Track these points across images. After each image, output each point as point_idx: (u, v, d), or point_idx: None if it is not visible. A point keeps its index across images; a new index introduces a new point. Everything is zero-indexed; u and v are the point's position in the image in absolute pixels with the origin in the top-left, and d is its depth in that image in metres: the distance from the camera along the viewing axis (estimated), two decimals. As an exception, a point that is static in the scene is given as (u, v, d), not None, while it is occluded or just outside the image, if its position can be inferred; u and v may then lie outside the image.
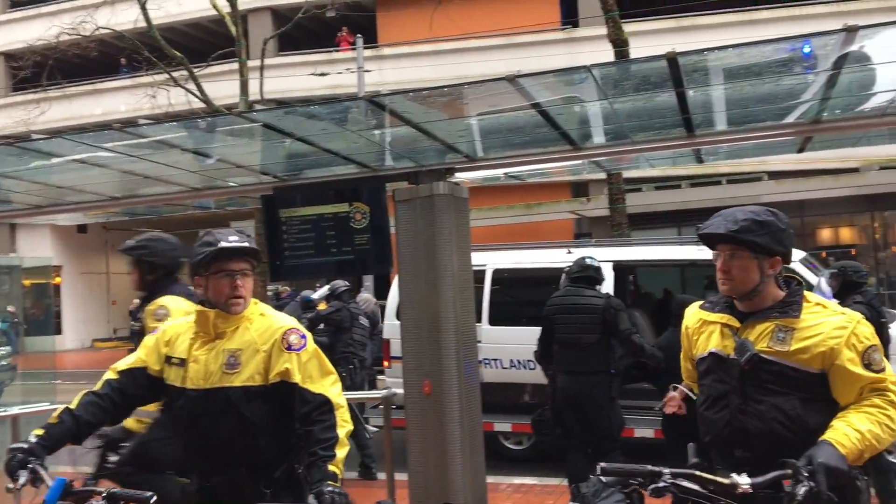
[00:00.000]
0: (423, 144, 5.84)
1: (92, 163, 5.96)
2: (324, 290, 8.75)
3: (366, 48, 24.65)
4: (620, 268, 8.77)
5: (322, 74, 24.07)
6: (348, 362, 8.33)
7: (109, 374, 3.09)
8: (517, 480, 7.55)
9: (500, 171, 7.42)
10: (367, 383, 8.79)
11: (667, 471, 2.65)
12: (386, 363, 9.10)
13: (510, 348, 7.20)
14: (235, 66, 21.43)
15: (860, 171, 22.16)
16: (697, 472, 2.67)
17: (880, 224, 25.55)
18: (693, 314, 2.98)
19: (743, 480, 2.57)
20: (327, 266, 6.89)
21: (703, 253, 8.44)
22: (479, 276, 8.35)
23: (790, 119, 5.79)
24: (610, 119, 5.54)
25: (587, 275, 6.45)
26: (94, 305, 31.54)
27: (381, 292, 10.67)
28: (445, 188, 5.96)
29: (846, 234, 26.20)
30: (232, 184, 7.08)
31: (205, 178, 6.83)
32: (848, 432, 2.49)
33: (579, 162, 7.34)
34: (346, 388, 7.91)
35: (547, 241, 9.40)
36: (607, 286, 8.23)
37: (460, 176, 6.53)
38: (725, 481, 2.60)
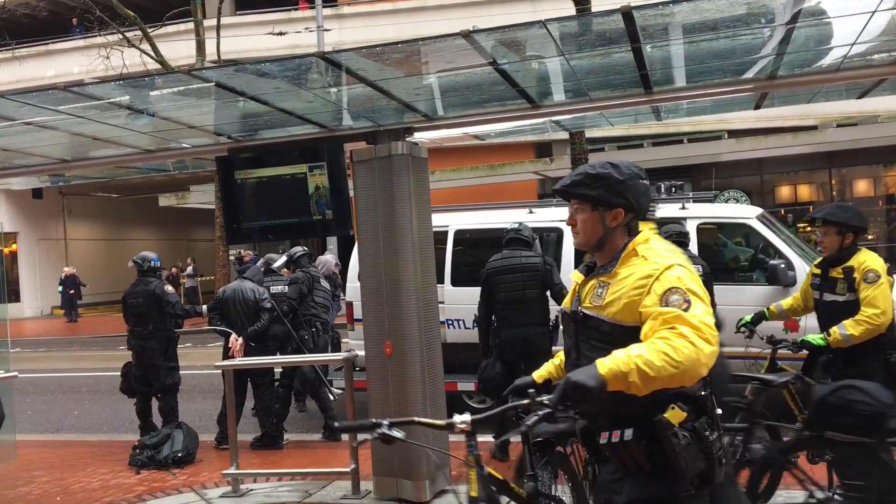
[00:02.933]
0: (381, 104, 5.75)
1: (39, 125, 5.78)
2: (283, 259, 8.66)
3: (325, 6, 24.19)
4: None
5: (280, 34, 23.59)
6: (311, 325, 8.29)
7: None
8: (480, 438, 7.57)
9: (459, 131, 7.35)
10: (330, 346, 8.76)
11: (385, 421, 2.92)
12: (349, 325, 9.07)
13: (473, 308, 7.23)
14: (191, 25, 20.93)
15: (818, 129, 22.41)
16: (417, 419, 3.03)
17: (838, 181, 25.95)
18: (573, 274, 3.01)
19: (460, 419, 2.84)
20: (286, 229, 6.81)
21: (664, 210, 8.53)
22: (441, 237, 8.30)
23: (747, 75, 5.79)
24: (568, 76, 5.50)
25: (522, 237, 6.91)
26: (52, 272, 31.00)
27: (346, 254, 10.54)
28: (404, 148, 5.91)
29: (804, 192, 26.59)
30: (185, 145, 6.94)
31: (157, 139, 6.67)
32: (616, 354, 2.45)
33: (540, 121, 7.30)
34: (308, 350, 8.00)
35: (509, 202, 9.31)
36: (568, 245, 8.28)
37: (419, 136, 6.46)
38: (441, 423, 2.91)
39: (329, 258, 10.55)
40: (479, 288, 6.90)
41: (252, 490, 6.41)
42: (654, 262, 2.61)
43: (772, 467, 4.32)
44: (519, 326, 6.62)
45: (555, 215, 8.81)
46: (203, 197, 26.35)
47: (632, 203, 2.69)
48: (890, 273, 5.01)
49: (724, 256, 9.11)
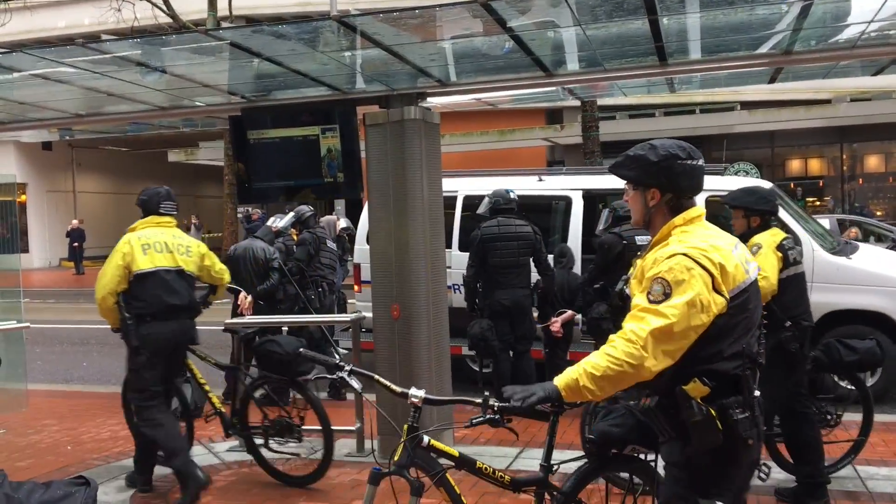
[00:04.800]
0: (395, 68, 5.76)
1: (55, 79, 5.81)
2: (289, 218, 8.70)
3: (339, -36, 23.90)
4: (590, 196, 8.84)
5: (293, -10, 23.39)
6: (317, 286, 8.38)
7: None
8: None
9: (472, 97, 7.36)
10: (336, 306, 8.85)
11: (348, 367, 3.25)
12: (356, 287, 9.16)
13: (480, 274, 7.35)
14: (203, -21, 20.74)
15: (832, 103, 22.24)
16: (377, 377, 3.28)
17: (849, 156, 25.83)
18: None
19: (414, 393, 3.06)
20: (296, 189, 6.88)
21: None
22: (451, 202, 8.35)
23: (763, 49, 5.77)
24: (583, 46, 5.50)
25: (512, 207, 7.41)
26: (60, 224, 31.16)
27: (353, 216, 10.62)
28: (417, 113, 5.93)
29: (815, 166, 26.48)
30: (199, 103, 6.97)
31: (171, 96, 6.70)
32: (577, 365, 2.60)
33: (552, 89, 7.30)
34: (315, 310, 8.09)
35: (518, 169, 9.34)
36: (577, 214, 8.28)
37: (432, 101, 6.47)
38: (398, 390, 3.12)
39: (333, 219, 10.61)
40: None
41: (258, 445, 6.50)
42: (670, 247, 2.64)
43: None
44: (509, 289, 7.17)
45: (564, 183, 8.90)
46: (212, 153, 26.58)
47: (667, 183, 2.74)
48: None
49: (731, 230, 9.11)
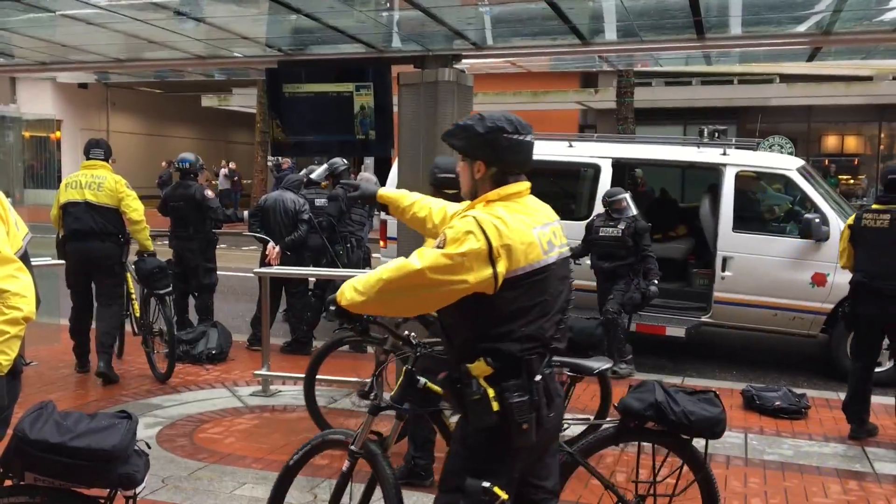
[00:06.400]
0: (431, 29, 5.79)
1: (95, 22, 5.90)
2: (322, 170, 8.79)
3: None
4: (620, 165, 8.85)
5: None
6: (346, 241, 8.53)
7: None
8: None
9: (506, 61, 7.36)
10: (362, 262, 8.99)
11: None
12: (382, 243, 9.29)
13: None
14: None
15: (874, 80, 21.78)
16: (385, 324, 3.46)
17: (887, 135, 25.36)
18: None
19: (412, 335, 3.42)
20: (328, 144, 6.97)
21: (704, 155, 8.63)
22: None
23: (801, 28, 5.73)
24: (622, 16, 5.49)
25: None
26: (93, 163, 31.43)
27: (380, 173, 10.68)
28: (451, 75, 5.99)
29: (851, 143, 26.05)
30: (237, 54, 7.05)
31: (209, 46, 6.78)
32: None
33: (588, 57, 7.28)
34: (342, 265, 8.24)
35: (550, 133, 9.39)
36: (605, 182, 8.32)
37: (466, 62, 6.50)
38: (402, 334, 3.46)
39: (368, 175, 10.66)
40: None
41: (280, 392, 6.74)
42: (467, 212, 2.62)
43: None
44: None
45: (594, 150, 8.89)
46: (245, 100, 26.63)
47: (493, 157, 2.65)
48: None
49: (759, 206, 9.14)
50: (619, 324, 7.46)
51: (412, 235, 6.02)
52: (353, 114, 6.68)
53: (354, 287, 2.71)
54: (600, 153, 8.77)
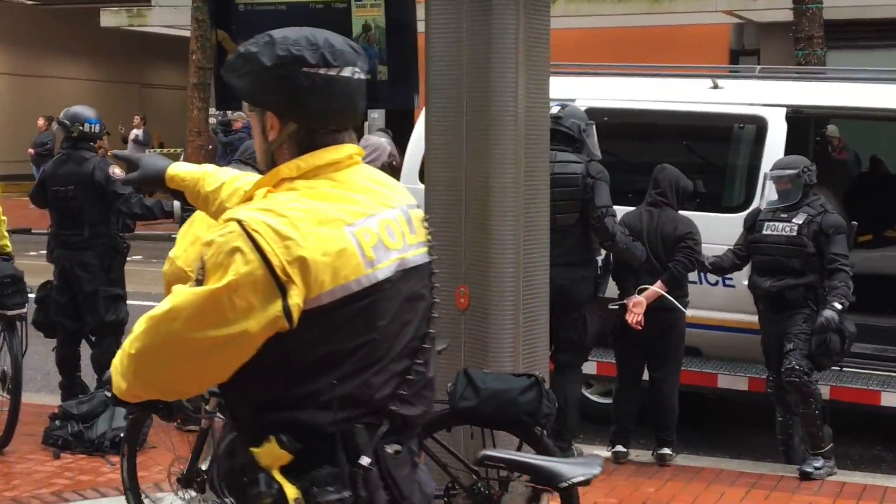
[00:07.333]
0: None
1: None
2: None
3: None
4: (800, 118, 7.19)
5: None
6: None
7: None
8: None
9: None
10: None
11: None
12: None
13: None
14: None
15: None
16: None
17: None
18: None
19: None
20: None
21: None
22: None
23: None
24: None
25: (564, 129, 5.90)
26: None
27: (402, 138, 7.87)
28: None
29: None
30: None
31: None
32: None
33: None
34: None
35: (679, 66, 7.97)
36: (774, 146, 6.74)
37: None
38: None
39: (383, 141, 7.70)
40: (617, 207, 5.97)
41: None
42: (235, 210, 2.01)
43: None
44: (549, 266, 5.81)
45: (756, 94, 7.27)
46: (170, 16, 20.05)
47: (288, 105, 1.95)
48: None
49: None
50: (814, 392, 5.75)
51: (453, 248, 5.19)
52: (351, 38, 4.69)
53: (116, 367, 2.13)
54: (767, 98, 7.15)
